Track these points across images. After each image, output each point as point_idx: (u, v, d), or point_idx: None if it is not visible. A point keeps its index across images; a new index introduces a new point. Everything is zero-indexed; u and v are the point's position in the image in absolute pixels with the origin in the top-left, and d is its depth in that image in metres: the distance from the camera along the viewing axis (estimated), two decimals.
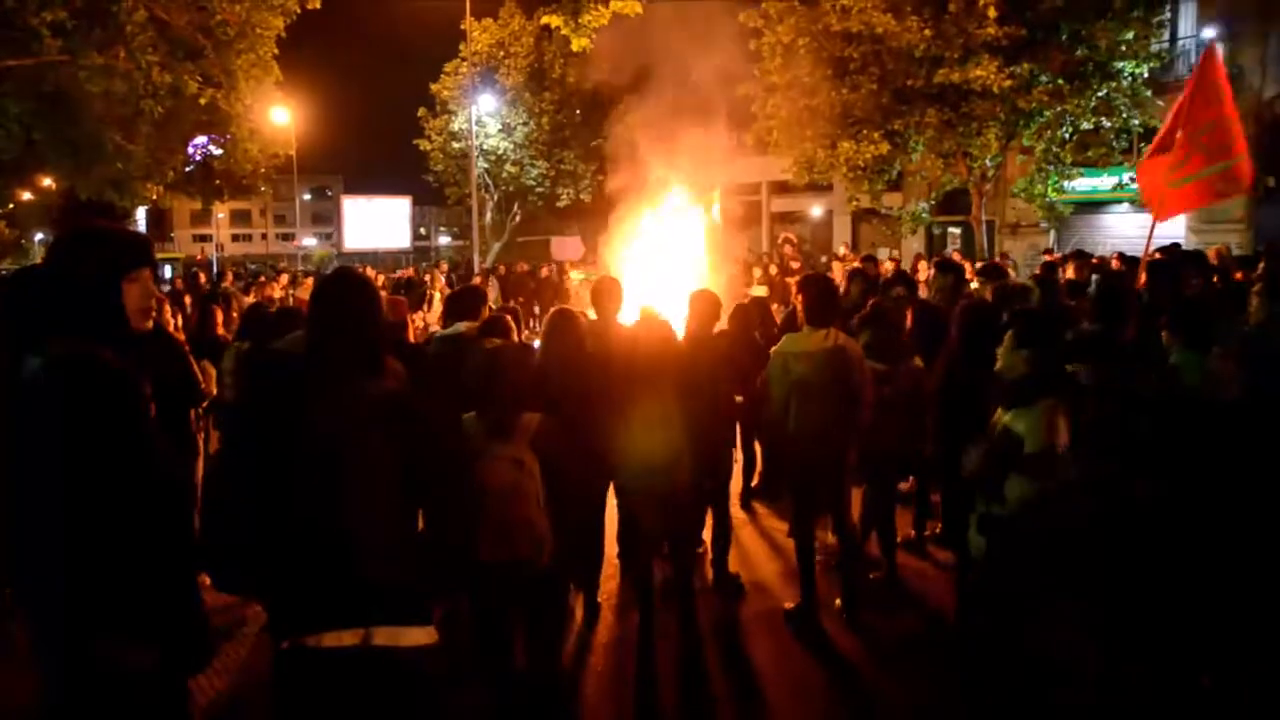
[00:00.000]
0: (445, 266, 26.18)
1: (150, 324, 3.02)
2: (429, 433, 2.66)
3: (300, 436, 2.50)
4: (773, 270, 20.43)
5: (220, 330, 7.51)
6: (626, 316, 6.42)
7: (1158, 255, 11.12)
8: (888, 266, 16.68)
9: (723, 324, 6.62)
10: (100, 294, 2.59)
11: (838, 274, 16.26)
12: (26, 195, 31.94)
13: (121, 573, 2.41)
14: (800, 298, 5.65)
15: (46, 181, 25.66)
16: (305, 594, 2.47)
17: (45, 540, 2.40)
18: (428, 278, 20.72)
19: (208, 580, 2.62)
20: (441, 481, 2.69)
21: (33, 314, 2.59)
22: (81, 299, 2.56)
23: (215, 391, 6.64)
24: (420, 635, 2.54)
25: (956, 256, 17.89)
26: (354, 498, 2.50)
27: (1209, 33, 21.61)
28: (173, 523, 2.54)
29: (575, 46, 14.92)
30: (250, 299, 12.81)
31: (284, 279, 18.61)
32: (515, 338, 5.93)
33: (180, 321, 7.88)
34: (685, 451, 5.18)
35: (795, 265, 19.68)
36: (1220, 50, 20.02)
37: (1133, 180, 19.53)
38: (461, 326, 5.88)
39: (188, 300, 11.26)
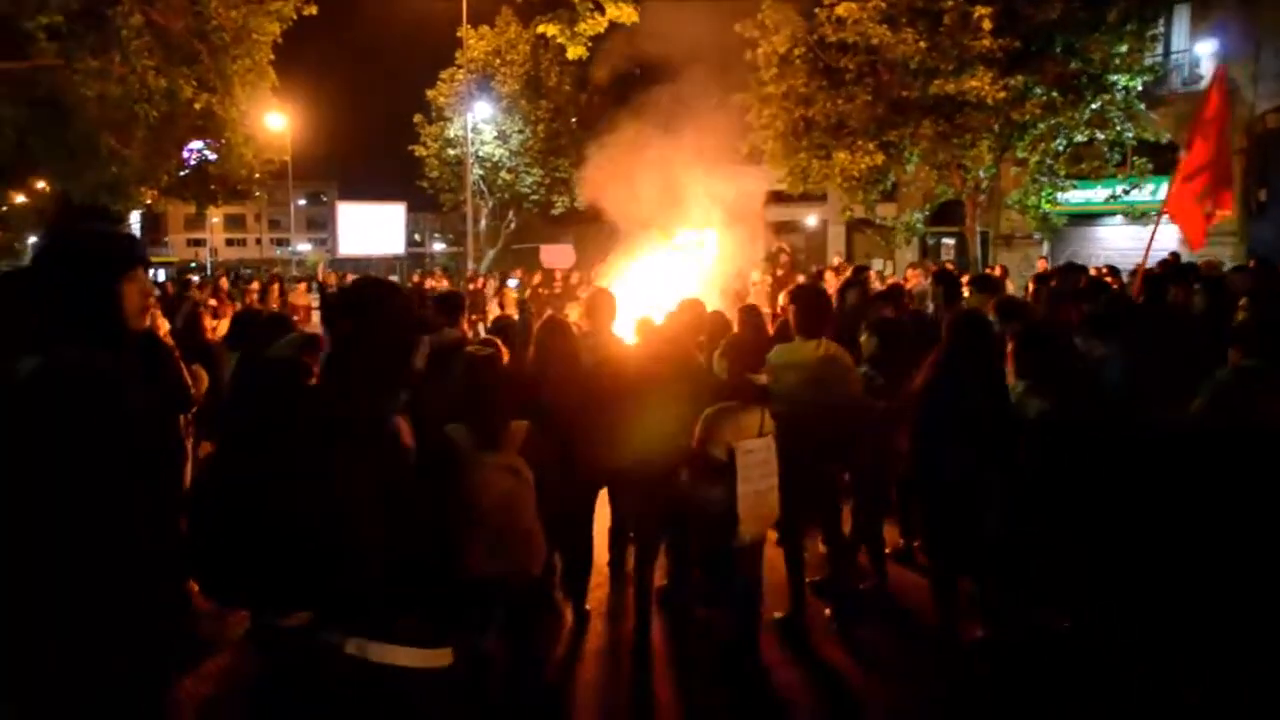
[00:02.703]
0: (440, 274, 26.16)
1: (147, 322, 2.99)
2: (401, 454, 2.58)
3: (285, 446, 2.47)
4: (767, 279, 20.44)
5: (210, 335, 7.48)
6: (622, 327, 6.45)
7: (1156, 268, 11.20)
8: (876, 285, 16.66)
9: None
10: (100, 298, 2.56)
11: (831, 285, 16.24)
12: (20, 198, 31.88)
13: (112, 576, 2.39)
14: (792, 308, 5.65)
15: (40, 185, 25.63)
16: (288, 603, 2.45)
17: (33, 543, 2.36)
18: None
19: (195, 587, 2.60)
20: (421, 502, 2.60)
21: (27, 317, 2.56)
22: (80, 303, 2.52)
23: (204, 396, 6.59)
24: (404, 656, 2.49)
25: (949, 268, 17.91)
26: (338, 512, 2.46)
27: (1202, 47, 21.73)
28: (163, 527, 2.52)
29: (571, 54, 14.99)
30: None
31: (255, 286, 18.19)
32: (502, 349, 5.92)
33: (169, 325, 7.84)
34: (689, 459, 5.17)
35: (781, 274, 19.67)
36: (1213, 66, 20.17)
37: (1126, 192, 19.60)
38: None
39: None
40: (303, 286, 20.42)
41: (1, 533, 2.38)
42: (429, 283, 22.94)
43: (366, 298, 2.64)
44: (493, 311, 16.56)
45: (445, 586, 2.61)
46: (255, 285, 17.78)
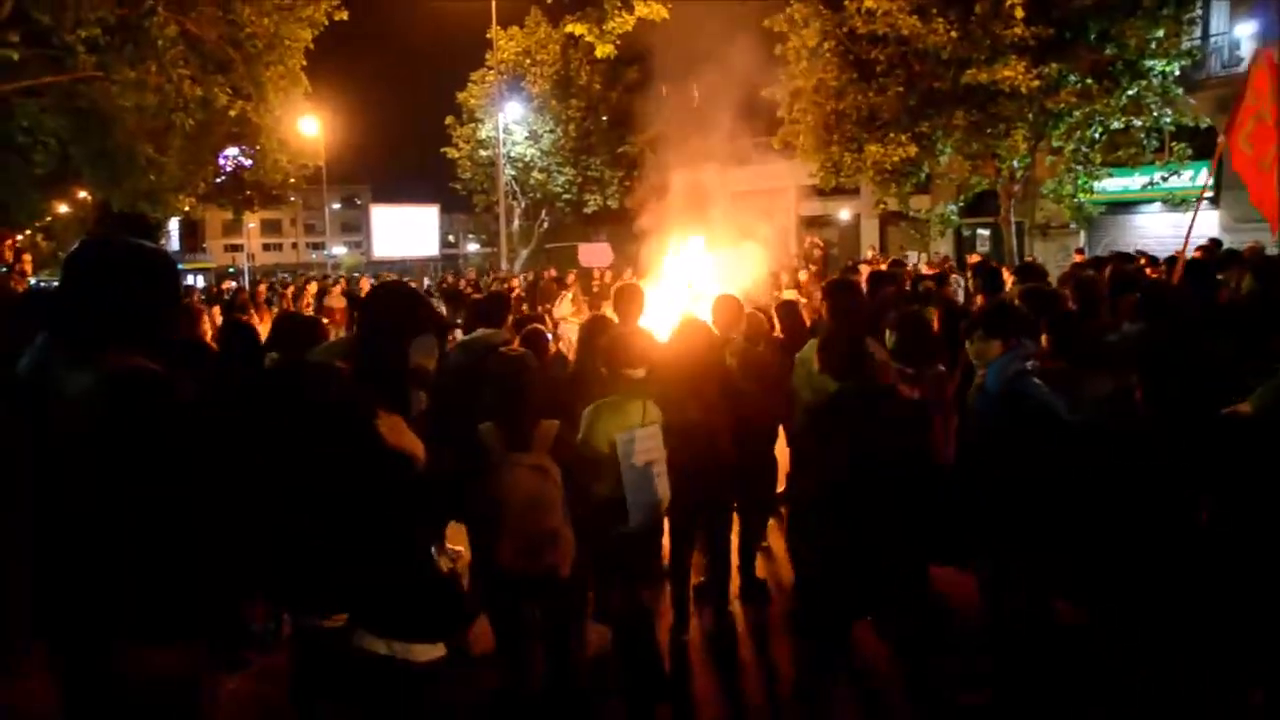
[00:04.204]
0: (473, 274, 26.30)
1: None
2: (375, 453, 2.62)
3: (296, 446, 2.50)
4: (802, 276, 20.39)
5: None
6: (661, 323, 6.48)
7: (1196, 254, 10.87)
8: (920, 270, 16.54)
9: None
10: (167, 309, 2.56)
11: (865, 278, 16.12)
12: (63, 208, 32.45)
13: (170, 578, 2.40)
14: (824, 303, 5.63)
15: (82, 194, 26.09)
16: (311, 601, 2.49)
17: (93, 549, 2.35)
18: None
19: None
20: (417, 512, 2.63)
21: (73, 329, 2.49)
22: (143, 314, 2.49)
23: None
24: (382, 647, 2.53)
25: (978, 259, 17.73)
26: (340, 518, 2.50)
27: (1242, 29, 21.30)
28: (217, 530, 2.54)
29: (600, 53, 15.02)
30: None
31: (289, 289, 18.32)
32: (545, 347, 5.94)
33: (214, 332, 8.00)
34: (728, 456, 5.17)
35: (814, 269, 19.58)
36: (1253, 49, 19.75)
37: (1164, 179, 19.27)
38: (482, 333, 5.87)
39: (216, 311, 11.42)
40: (337, 289, 20.62)
41: (68, 539, 2.36)
42: (462, 284, 23.06)
43: (363, 302, 2.72)
44: (562, 309, 16.49)
45: (416, 581, 2.63)
46: (290, 290, 18.02)
